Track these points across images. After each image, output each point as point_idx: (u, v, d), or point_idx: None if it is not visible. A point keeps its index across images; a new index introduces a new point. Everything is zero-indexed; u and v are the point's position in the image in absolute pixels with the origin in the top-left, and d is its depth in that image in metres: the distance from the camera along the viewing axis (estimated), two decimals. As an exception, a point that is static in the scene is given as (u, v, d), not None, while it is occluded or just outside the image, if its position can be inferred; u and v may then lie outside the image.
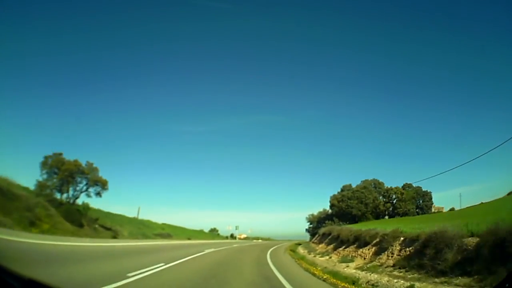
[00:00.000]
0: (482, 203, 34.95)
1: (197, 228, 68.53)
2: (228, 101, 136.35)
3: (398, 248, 12.38)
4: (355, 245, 16.77)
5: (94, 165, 25.58)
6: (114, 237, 25.81)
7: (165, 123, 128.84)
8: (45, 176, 24.39)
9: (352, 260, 15.00)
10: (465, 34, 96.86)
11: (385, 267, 11.79)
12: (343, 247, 18.24)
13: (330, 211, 45.67)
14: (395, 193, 42.21)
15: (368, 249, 14.86)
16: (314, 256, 19.58)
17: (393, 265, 11.57)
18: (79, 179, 25.50)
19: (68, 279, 6.21)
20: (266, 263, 13.45)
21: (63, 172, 24.16)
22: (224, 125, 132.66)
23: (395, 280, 9.63)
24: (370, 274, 11.19)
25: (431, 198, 48.85)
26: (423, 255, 9.93)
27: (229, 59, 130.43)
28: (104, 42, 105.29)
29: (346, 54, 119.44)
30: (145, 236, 31.87)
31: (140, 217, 44.84)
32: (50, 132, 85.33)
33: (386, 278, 10.06)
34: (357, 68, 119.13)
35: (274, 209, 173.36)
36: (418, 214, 43.53)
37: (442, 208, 50.35)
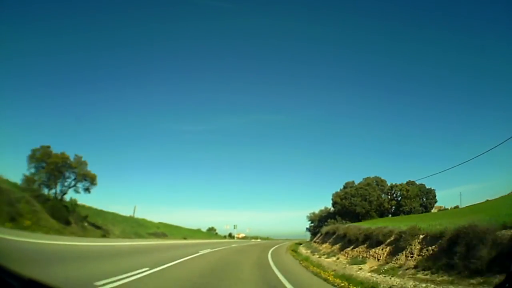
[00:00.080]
0: (488, 200, 33.96)
1: (195, 228, 67.04)
2: (228, 100, 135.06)
3: (418, 247, 10.98)
4: (365, 245, 15.25)
5: (83, 159, 23.87)
6: (104, 236, 24.14)
7: (165, 122, 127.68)
8: (32, 170, 22.74)
9: (363, 262, 13.45)
10: (465, 33, 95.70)
11: (406, 269, 10.31)
12: (351, 247, 16.70)
13: (332, 209, 44.03)
14: (400, 190, 40.50)
15: (382, 249, 13.33)
16: (319, 257, 18.00)
17: (415, 267, 10.15)
18: (67, 174, 23.83)
19: None
20: (268, 266, 11.78)
21: (49, 165, 22.47)
22: (224, 124, 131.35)
23: (423, 285, 8.17)
24: (391, 278, 9.64)
25: (435, 196, 47.29)
26: (452, 254, 8.55)
27: (229, 58, 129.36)
28: (104, 41, 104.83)
29: (346, 53, 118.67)
30: (138, 236, 30.21)
31: (138, 216, 43.30)
32: (50, 132, 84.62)
33: (411, 283, 8.53)
34: (357, 67, 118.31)
35: (273, 208, 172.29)
36: (422, 212, 42.10)
37: (441, 207, 49.02)
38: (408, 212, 40.34)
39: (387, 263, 11.81)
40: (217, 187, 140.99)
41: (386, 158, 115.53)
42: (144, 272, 7.67)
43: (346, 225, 22.47)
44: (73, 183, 23.94)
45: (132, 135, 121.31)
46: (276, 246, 29.27)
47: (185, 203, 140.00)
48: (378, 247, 13.72)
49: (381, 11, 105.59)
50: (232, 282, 7.99)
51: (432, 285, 7.98)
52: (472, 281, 7.24)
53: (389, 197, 42.25)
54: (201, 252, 15.37)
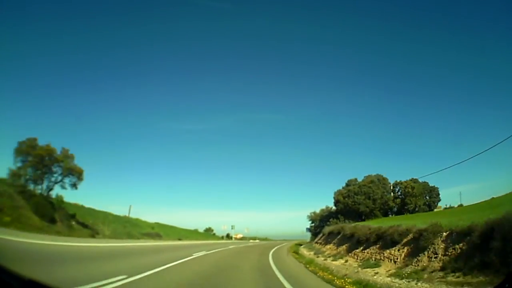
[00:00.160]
0: (493, 198, 32.89)
1: (192, 228, 65.34)
2: (227, 99, 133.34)
3: (442, 246, 9.60)
4: (377, 246, 13.76)
5: (70, 152, 22.22)
6: (92, 236, 22.48)
7: (165, 122, 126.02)
8: (19, 165, 21.08)
9: (377, 265, 11.94)
10: (465, 33, 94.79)
11: (431, 272, 8.87)
12: (361, 248, 15.19)
13: (334, 208, 42.41)
14: (405, 187, 38.87)
15: (398, 250, 11.84)
16: (325, 260, 16.46)
17: (442, 268, 8.78)
18: (53, 168, 22.19)
19: None
20: (271, 273, 10.09)
21: (34, 158, 20.81)
22: (224, 123, 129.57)
23: (461, 290, 6.69)
24: (417, 283, 8.15)
25: (439, 194, 45.93)
26: (486, 251, 7.38)
27: (229, 58, 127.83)
28: (104, 41, 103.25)
29: (346, 53, 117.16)
30: (130, 236, 28.53)
31: (133, 216, 41.63)
32: (50, 132, 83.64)
33: (444, 289, 7.05)
34: (357, 67, 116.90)
35: (271, 208, 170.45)
36: (426, 211, 40.69)
37: (440, 206, 47.74)
38: (413, 211, 38.86)
39: (407, 265, 10.33)
40: (216, 187, 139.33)
41: (386, 157, 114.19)
42: (119, 281, 6.12)
43: (353, 224, 20.98)
44: (59, 178, 22.32)
45: (131, 135, 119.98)
46: (276, 247, 27.73)
47: (184, 203, 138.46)
48: (394, 248, 12.24)
49: (381, 11, 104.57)
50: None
51: (470, 290, 6.56)
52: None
53: (393, 195, 40.67)
54: (195, 255, 13.77)
